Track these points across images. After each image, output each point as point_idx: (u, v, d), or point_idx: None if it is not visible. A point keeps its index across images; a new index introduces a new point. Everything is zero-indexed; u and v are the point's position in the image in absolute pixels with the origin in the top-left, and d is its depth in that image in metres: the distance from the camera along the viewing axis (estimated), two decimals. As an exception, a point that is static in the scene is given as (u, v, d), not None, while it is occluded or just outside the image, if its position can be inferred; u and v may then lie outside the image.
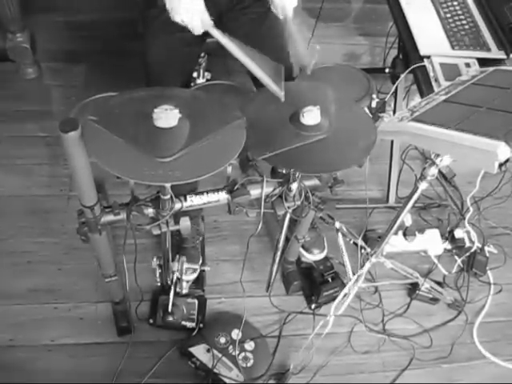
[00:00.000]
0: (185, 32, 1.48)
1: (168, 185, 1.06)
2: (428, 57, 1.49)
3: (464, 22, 1.59)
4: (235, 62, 1.65)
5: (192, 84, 1.67)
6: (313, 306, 1.69)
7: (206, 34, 1.60)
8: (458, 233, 1.88)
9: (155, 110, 0.95)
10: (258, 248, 1.82)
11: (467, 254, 1.85)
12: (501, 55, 1.50)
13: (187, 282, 1.60)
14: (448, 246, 1.87)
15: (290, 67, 1.56)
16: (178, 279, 1.54)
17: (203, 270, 1.67)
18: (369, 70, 1.66)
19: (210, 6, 1.51)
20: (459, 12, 1.62)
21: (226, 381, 1.48)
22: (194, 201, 1.17)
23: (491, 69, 1.31)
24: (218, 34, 1.24)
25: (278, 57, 1.54)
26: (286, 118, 1.08)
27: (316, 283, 1.71)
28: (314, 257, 1.76)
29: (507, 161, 0.94)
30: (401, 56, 1.87)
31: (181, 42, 1.48)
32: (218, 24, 1.58)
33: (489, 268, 1.85)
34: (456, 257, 1.86)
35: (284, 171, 1.19)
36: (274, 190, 1.21)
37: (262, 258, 1.79)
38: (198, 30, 1.28)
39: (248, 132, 1.00)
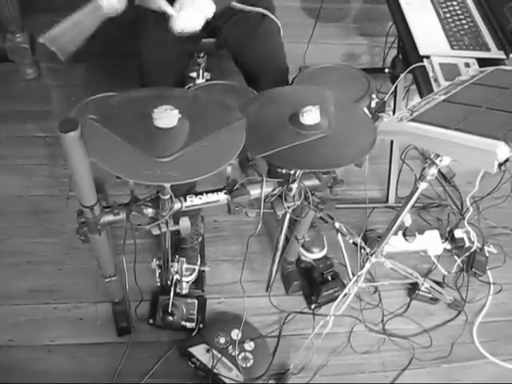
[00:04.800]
0: None
1: (167, 185, 1.06)
2: (427, 57, 1.49)
3: (463, 21, 1.59)
4: (231, 63, 1.66)
5: (192, 84, 1.66)
6: (313, 305, 1.69)
7: (203, 33, 1.61)
8: (458, 233, 1.88)
9: (155, 110, 0.95)
10: (257, 248, 1.82)
11: (467, 253, 1.85)
12: (500, 55, 1.50)
13: (187, 282, 1.60)
14: (448, 245, 1.87)
15: (286, 69, 1.57)
16: (178, 280, 1.55)
17: (203, 271, 1.68)
18: (368, 69, 1.66)
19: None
20: (459, 12, 1.63)
21: (226, 381, 1.48)
22: (193, 201, 1.18)
23: (491, 69, 1.31)
24: None
25: (274, 58, 1.55)
26: (286, 119, 1.08)
27: (316, 283, 1.71)
28: (313, 255, 1.76)
29: (507, 160, 0.94)
30: (400, 56, 1.87)
31: (175, 40, 1.48)
32: (214, 26, 1.58)
33: (488, 268, 1.86)
34: (456, 257, 1.86)
35: (283, 171, 1.19)
36: (274, 190, 1.21)
37: (261, 258, 1.79)
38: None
39: (248, 132, 1.00)
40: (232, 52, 1.61)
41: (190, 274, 1.61)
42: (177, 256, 1.55)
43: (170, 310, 1.56)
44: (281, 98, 1.20)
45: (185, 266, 1.53)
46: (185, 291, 1.59)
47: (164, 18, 1.45)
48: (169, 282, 1.56)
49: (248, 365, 1.52)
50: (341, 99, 1.17)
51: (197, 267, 1.64)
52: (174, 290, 1.56)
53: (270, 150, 1.01)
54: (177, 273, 1.53)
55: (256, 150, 1.03)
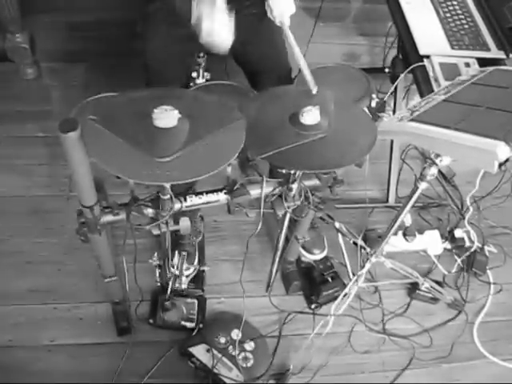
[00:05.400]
0: (182, 28, 1.49)
1: (167, 185, 1.06)
2: (427, 56, 1.49)
3: (463, 21, 1.59)
4: (232, 63, 1.66)
5: (192, 84, 1.67)
6: (313, 305, 1.69)
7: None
8: (458, 232, 1.88)
9: (155, 111, 0.95)
10: (257, 248, 1.82)
11: (467, 253, 1.85)
12: (500, 55, 1.50)
13: (186, 276, 1.60)
14: (448, 245, 1.87)
15: (289, 67, 1.56)
16: (177, 276, 1.54)
17: (203, 270, 1.68)
18: (368, 69, 1.67)
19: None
20: (459, 12, 1.63)
21: (226, 381, 1.48)
22: (193, 201, 1.17)
23: (491, 68, 1.31)
24: None
25: (277, 56, 1.55)
26: (286, 119, 1.08)
27: (316, 283, 1.71)
28: (314, 257, 1.76)
29: (507, 160, 0.94)
30: (400, 56, 1.87)
31: (178, 39, 1.49)
32: None
33: (488, 267, 1.85)
34: (456, 256, 1.86)
35: (284, 171, 1.19)
36: (274, 189, 1.21)
37: (261, 258, 1.79)
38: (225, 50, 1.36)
39: (247, 132, 1.00)
40: (234, 51, 1.61)
41: (189, 268, 1.61)
42: (177, 251, 1.54)
43: (167, 306, 1.56)
44: (281, 97, 1.20)
45: (185, 264, 1.53)
46: (184, 286, 1.58)
47: (169, 17, 1.45)
48: (168, 276, 1.55)
49: (248, 365, 1.52)
50: (341, 99, 1.17)
51: (195, 263, 1.64)
52: (173, 286, 1.56)
53: (270, 150, 1.01)
54: (176, 268, 1.53)
55: (256, 150, 1.03)
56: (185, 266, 1.54)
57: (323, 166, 1.09)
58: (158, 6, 1.49)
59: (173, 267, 1.54)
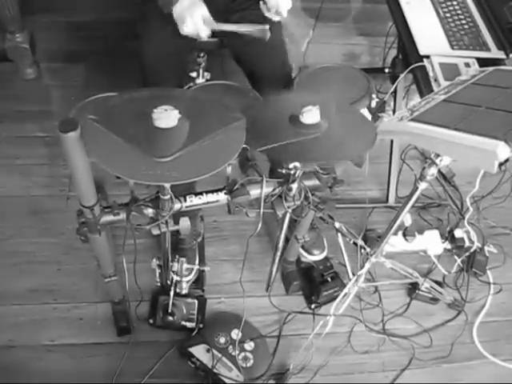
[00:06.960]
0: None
1: (167, 185, 1.06)
2: (427, 56, 1.49)
3: (463, 21, 1.59)
4: (232, 63, 1.66)
5: (192, 84, 1.67)
6: (313, 305, 1.69)
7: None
8: (458, 232, 1.88)
9: (155, 111, 0.95)
10: (257, 248, 1.82)
11: (467, 253, 1.85)
12: (500, 55, 1.50)
13: (187, 282, 1.60)
14: (448, 245, 1.87)
15: (290, 68, 1.56)
16: (178, 281, 1.55)
17: (203, 270, 1.68)
18: (368, 69, 1.67)
19: (208, 8, 1.52)
20: (459, 12, 1.63)
21: (226, 381, 1.48)
22: (193, 201, 1.17)
23: (491, 69, 1.31)
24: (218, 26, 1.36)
25: (277, 57, 1.55)
26: (286, 118, 1.08)
27: (316, 283, 1.71)
28: (313, 257, 1.76)
29: (507, 160, 0.94)
30: (400, 56, 1.88)
31: (175, 37, 1.49)
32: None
33: (488, 268, 1.85)
34: (456, 256, 1.86)
35: (284, 171, 1.18)
36: (274, 189, 1.21)
37: (261, 258, 1.79)
38: (205, 36, 1.35)
39: (247, 130, 1.00)
40: (234, 51, 1.61)
41: (189, 274, 1.61)
42: (177, 256, 1.55)
43: (169, 310, 1.56)
44: (282, 99, 1.20)
45: (185, 266, 1.53)
46: (185, 291, 1.59)
47: (165, 16, 1.45)
48: (169, 282, 1.56)
49: (248, 365, 1.52)
50: (341, 100, 1.17)
51: (196, 267, 1.64)
52: (174, 290, 1.56)
53: (269, 144, 1.01)
54: (176, 273, 1.53)
55: (255, 144, 1.03)
56: (185, 266, 1.54)
57: (322, 159, 1.09)
58: (155, 5, 1.49)
59: (173, 272, 1.54)
